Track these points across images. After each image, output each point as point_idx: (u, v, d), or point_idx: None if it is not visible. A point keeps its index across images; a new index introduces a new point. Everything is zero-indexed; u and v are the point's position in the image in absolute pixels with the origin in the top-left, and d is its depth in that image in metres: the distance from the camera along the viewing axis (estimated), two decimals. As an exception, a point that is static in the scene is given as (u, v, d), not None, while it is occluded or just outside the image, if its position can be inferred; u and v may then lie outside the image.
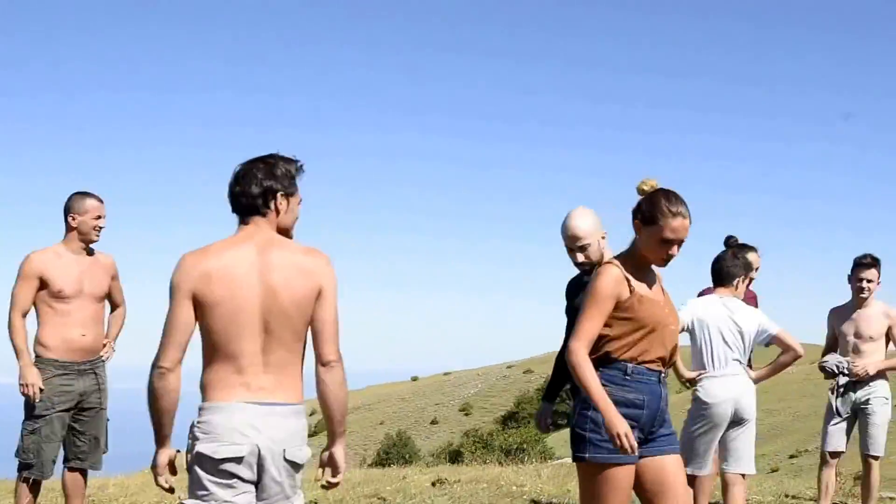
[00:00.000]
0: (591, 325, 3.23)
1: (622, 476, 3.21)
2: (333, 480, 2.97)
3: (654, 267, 3.42)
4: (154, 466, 2.84)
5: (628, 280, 3.28)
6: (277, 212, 2.88)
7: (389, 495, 6.86)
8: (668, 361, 3.39)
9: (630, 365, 3.26)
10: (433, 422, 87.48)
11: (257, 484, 2.77)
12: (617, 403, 3.16)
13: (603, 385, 3.18)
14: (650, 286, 3.37)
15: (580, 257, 4.02)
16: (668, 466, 3.33)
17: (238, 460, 2.73)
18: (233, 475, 2.73)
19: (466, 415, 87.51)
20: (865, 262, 6.07)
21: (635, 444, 3.13)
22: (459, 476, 7.81)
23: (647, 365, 3.29)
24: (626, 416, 3.17)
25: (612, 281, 3.26)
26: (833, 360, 6.06)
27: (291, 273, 2.80)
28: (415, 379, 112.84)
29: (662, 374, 3.36)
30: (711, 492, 5.56)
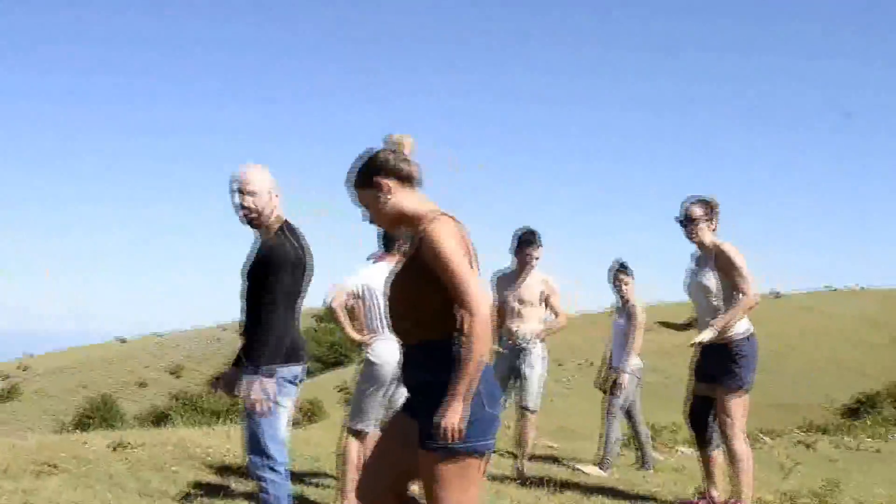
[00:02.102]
0: None
1: None
2: None
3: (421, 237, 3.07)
4: None
5: None
6: None
7: (63, 462, 6.48)
8: (400, 332, 3.17)
9: None
10: (141, 384, 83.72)
11: None
12: None
13: None
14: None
15: (247, 200, 4.07)
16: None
17: None
18: None
19: (177, 377, 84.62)
20: (535, 242, 6.61)
21: None
22: (144, 440, 7.55)
23: None
24: None
25: None
26: (521, 331, 6.57)
27: None
28: (122, 341, 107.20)
29: (403, 346, 3.18)
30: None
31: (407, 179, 3.13)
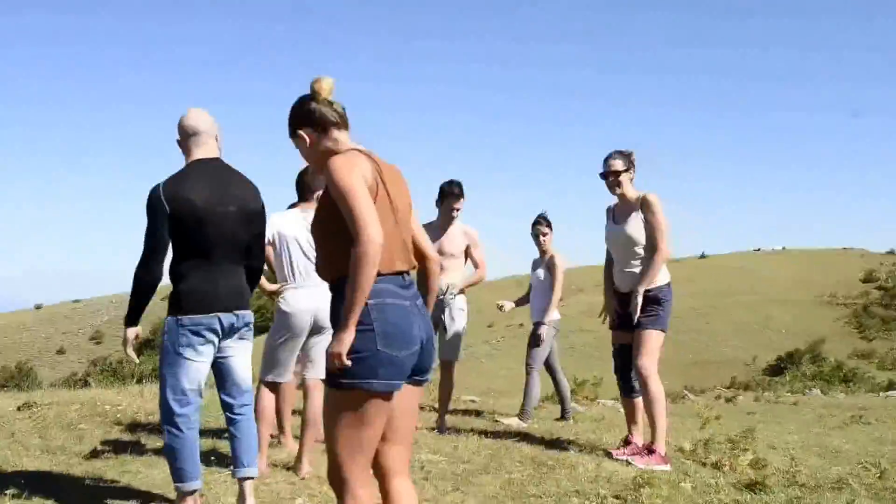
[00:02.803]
0: None
1: None
2: None
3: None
4: None
5: None
6: None
7: (-37, 423, 6.30)
8: (319, 271, 3.22)
9: None
10: (59, 351, 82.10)
11: None
12: None
13: None
14: None
15: None
16: None
17: None
18: None
19: (98, 343, 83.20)
20: (456, 194, 6.62)
21: None
22: (53, 399, 7.38)
23: None
24: None
25: None
26: (442, 284, 6.58)
27: None
28: (39, 307, 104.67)
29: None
30: (294, 398, 5.80)
31: (329, 123, 3.15)
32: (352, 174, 2.94)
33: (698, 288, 62.32)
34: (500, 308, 7.78)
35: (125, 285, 4.76)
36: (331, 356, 2.86)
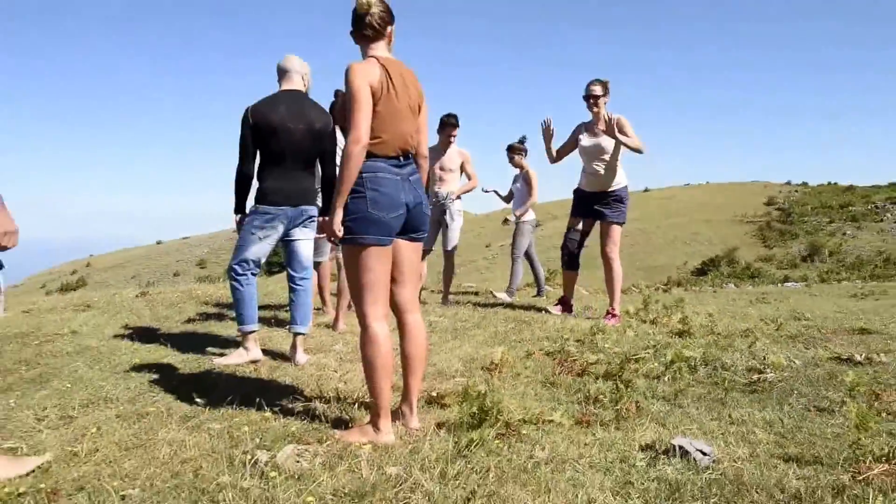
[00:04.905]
0: None
1: None
2: None
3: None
4: None
5: None
6: None
7: (95, 304, 6.29)
8: None
9: None
10: (175, 274, 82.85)
11: None
12: None
13: None
14: None
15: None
16: None
17: None
18: None
19: (202, 268, 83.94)
20: (453, 123, 6.43)
21: None
22: (162, 290, 7.36)
23: None
24: None
25: None
26: (443, 192, 6.41)
27: None
28: (159, 242, 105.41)
29: None
30: (332, 274, 5.72)
31: (367, 31, 2.81)
32: (359, 80, 2.70)
33: (642, 213, 61.97)
34: (485, 191, 7.64)
35: (220, 224, 4.69)
36: (327, 235, 2.82)
